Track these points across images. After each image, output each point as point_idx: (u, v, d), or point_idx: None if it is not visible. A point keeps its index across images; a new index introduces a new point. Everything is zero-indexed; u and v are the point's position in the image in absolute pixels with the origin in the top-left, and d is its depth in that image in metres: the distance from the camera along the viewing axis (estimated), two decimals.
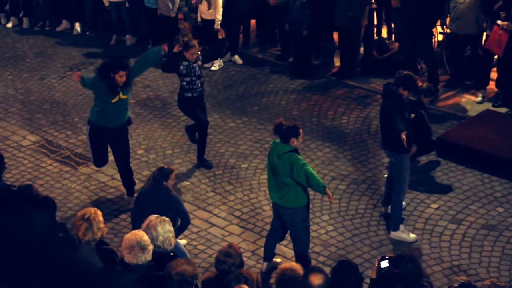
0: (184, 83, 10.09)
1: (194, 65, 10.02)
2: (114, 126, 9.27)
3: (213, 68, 13.38)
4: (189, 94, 10.14)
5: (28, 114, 12.07)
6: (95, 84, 9.11)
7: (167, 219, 6.49)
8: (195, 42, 10.00)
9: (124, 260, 6.20)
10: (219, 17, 12.96)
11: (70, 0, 15.03)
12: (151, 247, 6.19)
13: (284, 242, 8.94)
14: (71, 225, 6.91)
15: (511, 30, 10.75)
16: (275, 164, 7.89)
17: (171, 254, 6.36)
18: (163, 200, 7.67)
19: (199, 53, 10.13)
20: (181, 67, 9.98)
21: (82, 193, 10.02)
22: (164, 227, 6.42)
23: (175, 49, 9.97)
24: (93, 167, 10.36)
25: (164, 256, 6.24)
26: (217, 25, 13.02)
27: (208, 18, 13.11)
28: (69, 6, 15.12)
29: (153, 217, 6.53)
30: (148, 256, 6.17)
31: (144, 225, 6.44)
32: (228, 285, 5.87)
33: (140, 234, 6.24)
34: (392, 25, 13.47)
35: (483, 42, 11.87)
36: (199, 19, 13.28)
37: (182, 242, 8.55)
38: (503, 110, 11.42)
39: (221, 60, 13.54)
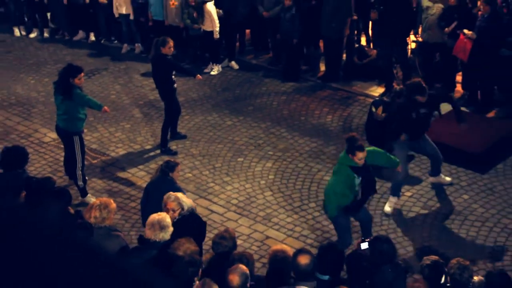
0: (173, 76, 10.42)
1: None
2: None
3: (212, 72, 13.40)
4: (175, 85, 10.53)
5: (49, 114, 12.06)
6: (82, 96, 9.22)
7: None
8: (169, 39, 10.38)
9: (144, 236, 6.30)
10: (216, 28, 12.98)
11: (86, 12, 15.02)
12: (171, 229, 6.30)
13: (275, 227, 8.98)
14: (86, 212, 6.93)
15: (474, 39, 10.81)
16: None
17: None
18: (168, 189, 7.73)
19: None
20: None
21: (96, 184, 10.03)
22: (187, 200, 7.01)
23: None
24: (106, 160, 10.38)
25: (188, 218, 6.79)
26: (216, 35, 13.05)
27: (208, 29, 13.13)
28: (85, 18, 15.11)
29: (179, 194, 6.99)
30: (166, 235, 6.25)
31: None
32: (232, 264, 5.89)
33: (164, 216, 6.38)
34: (371, 35, 13.51)
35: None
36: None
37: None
38: (468, 109, 11.45)
39: (219, 66, 13.56)
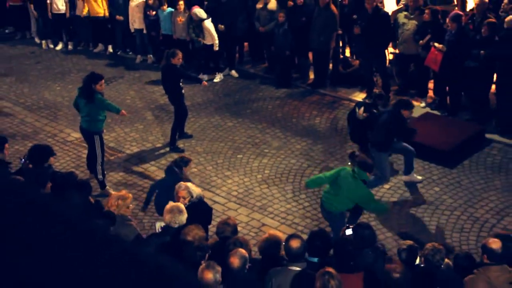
0: (181, 83, 10.36)
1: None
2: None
3: (215, 80, 13.36)
4: (183, 91, 10.46)
5: (72, 117, 12.02)
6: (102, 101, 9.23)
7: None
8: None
9: (164, 221, 6.34)
10: (216, 42, 12.94)
11: (105, 27, 14.98)
12: (186, 214, 6.36)
13: (270, 216, 8.95)
14: (106, 202, 6.91)
15: (444, 52, 10.79)
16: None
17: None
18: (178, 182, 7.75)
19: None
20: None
21: (113, 177, 9.99)
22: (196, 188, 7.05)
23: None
24: (122, 157, 10.33)
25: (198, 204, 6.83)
26: (216, 47, 13.00)
27: (208, 43, 13.08)
28: (104, 32, 15.07)
29: (189, 183, 7.04)
30: (183, 219, 6.28)
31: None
32: (228, 248, 5.88)
33: (179, 203, 6.50)
34: (353, 47, 13.47)
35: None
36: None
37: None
38: (439, 112, 11.45)
39: (221, 74, 13.52)
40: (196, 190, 7.03)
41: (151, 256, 1.06)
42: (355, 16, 12.14)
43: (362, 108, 9.78)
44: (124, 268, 1.02)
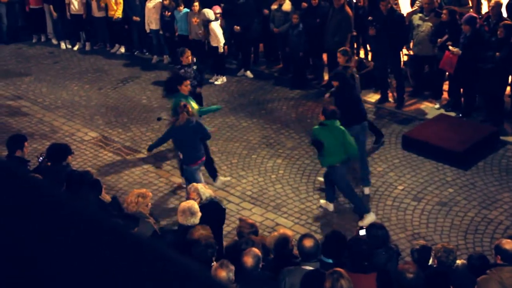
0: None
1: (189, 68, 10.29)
2: None
3: (216, 82, 13.28)
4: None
5: (89, 116, 12.11)
6: None
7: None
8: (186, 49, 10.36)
9: (178, 222, 6.37)
10: (221, 44, 12.92)
11: (122, 28, 15.05)
12: (199, 214, 6.34)
13: (284, 215, 8.96)
14: (124, 201, 6.94)
15: (459, 55, 10.75)
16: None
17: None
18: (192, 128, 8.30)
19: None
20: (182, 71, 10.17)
21: (129, 176, 10.05)
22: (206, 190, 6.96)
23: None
24: (139, 156, 10.37)
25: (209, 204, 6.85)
26: (221, 49, 13.01)
27: (214, 45, 13.10)
28: (121, 33, 15.15)
29: (199, 185, 7.01)
30: (196, 220, 6.29)
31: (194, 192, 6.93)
32: (240, 247, 5.90)
33: (192, 203, 6.44)
34: (368, 48, 13.44)
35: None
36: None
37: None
38: (453, 114, 11.39)
39: (224, 77, 13.39)
40: (206, 192, 7.00)
41: (168, 250, 1.07)
42: (370, 18, 12.11)
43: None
44: (143, 263, 1.03)
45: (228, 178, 9.70)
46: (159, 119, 10.18)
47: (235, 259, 5.62)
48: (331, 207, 8.91)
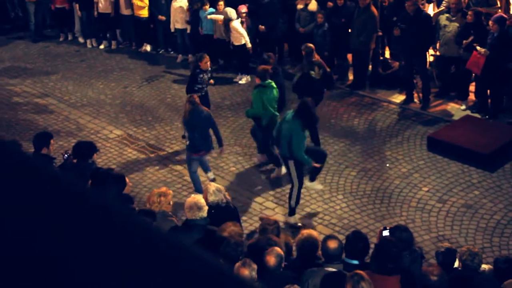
0: (199, 86, 10.33)
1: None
2: None
3: (240, 82, 13.27)
4: (199, 94, 9.93)
5: (114, 114, 12.19)
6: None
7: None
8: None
9: (187, 218, 6.34)
10: (247, 39, 12.84)
11: (148, 27, 15.12)
12: (206, 207, 6.33)
13: (307, 215, 8.91)
14: (148, 199, 6.95)
15: (486, 56, 10.63)
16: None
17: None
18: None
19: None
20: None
21: (153, 174, 10.09)
22: (216, 193, 6.75)
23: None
24: (163, 155, 10.41)
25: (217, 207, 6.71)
26: (248, 44, 12.93)
27: (237, 43, 13.06)
28: (147, 32, 15.23)
29: (210, 187, 6.86)
30: (203, 214, 6.30)
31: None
32: (262, 246, 5.86)
33: (198, 198, 6.44)
34: (393, 49, 13.34)
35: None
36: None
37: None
38: (479, 115, 11.25)
39: (248, 76, 13.36)
40: (210, 198, 6.79)
41: (191, 247, 1.06)
42: (395, 18, 12.02)
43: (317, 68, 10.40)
44: (168, 261, 1.02)
45: (321, 187, 9.46)
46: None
47: (257, 257, 5.60)
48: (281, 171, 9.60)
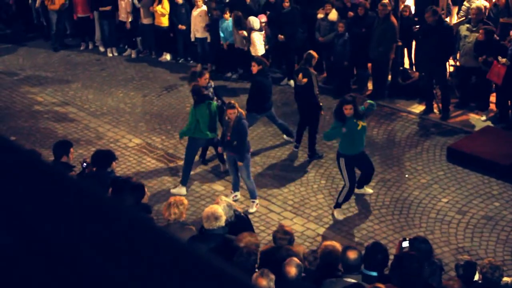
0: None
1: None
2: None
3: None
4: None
5: (134, 123, 12.25)
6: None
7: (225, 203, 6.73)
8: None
9: (204, 227, 6.33)
10: (259, 53, 12.83)
11: (168, 36, 15.20)
12: (223, 217, 6.31)
13: (326, 226, 8.87)
14: (165, 211, 6.95)
15: (507, 65, 10.55)
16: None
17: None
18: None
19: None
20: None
21: (172, 184, 10.11)
22: (226, 209, 6.63)
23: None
24: (181, 163, 10.46)
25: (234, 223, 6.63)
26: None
27: (254, 54, 13.08)
28: (167, 41, 15.31)
29: (223, 204, 6.72)
30: (221, 223, 6.28)
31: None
32: (281, 257, 5.85)
33: (215, 208, 6.40)
34: (413, 59, 13.28)
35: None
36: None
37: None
38: (500, 126, 11.15)
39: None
40: (223, 215, 6.74)
41: (207, 255, 1.05)
42: (416, 28, 11.98)
43: (300, 74, 10.35)
44: (185, 269, 1.02)
45: (371, 191, 9.58)
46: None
47: (271, 266, 5.58)
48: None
